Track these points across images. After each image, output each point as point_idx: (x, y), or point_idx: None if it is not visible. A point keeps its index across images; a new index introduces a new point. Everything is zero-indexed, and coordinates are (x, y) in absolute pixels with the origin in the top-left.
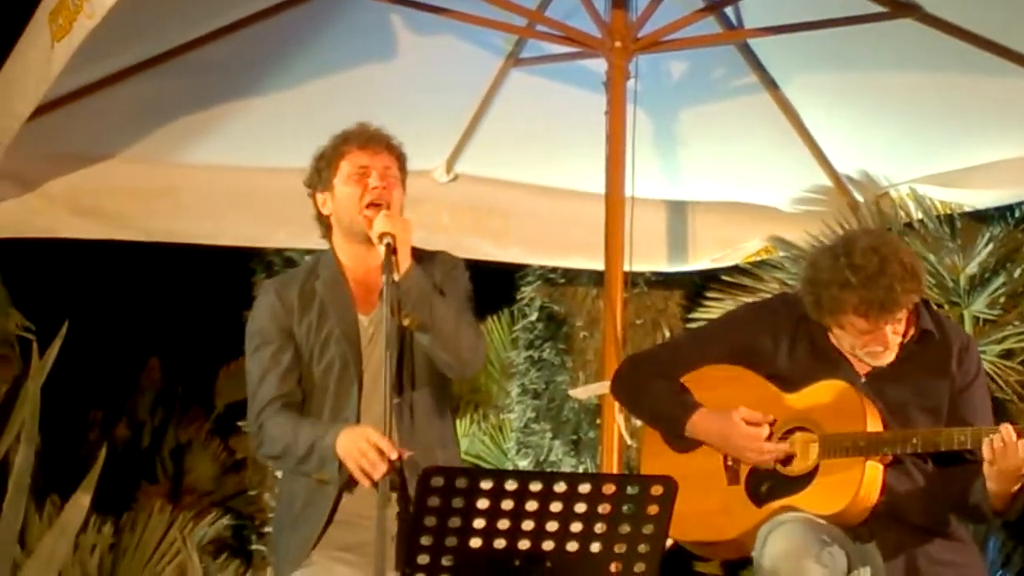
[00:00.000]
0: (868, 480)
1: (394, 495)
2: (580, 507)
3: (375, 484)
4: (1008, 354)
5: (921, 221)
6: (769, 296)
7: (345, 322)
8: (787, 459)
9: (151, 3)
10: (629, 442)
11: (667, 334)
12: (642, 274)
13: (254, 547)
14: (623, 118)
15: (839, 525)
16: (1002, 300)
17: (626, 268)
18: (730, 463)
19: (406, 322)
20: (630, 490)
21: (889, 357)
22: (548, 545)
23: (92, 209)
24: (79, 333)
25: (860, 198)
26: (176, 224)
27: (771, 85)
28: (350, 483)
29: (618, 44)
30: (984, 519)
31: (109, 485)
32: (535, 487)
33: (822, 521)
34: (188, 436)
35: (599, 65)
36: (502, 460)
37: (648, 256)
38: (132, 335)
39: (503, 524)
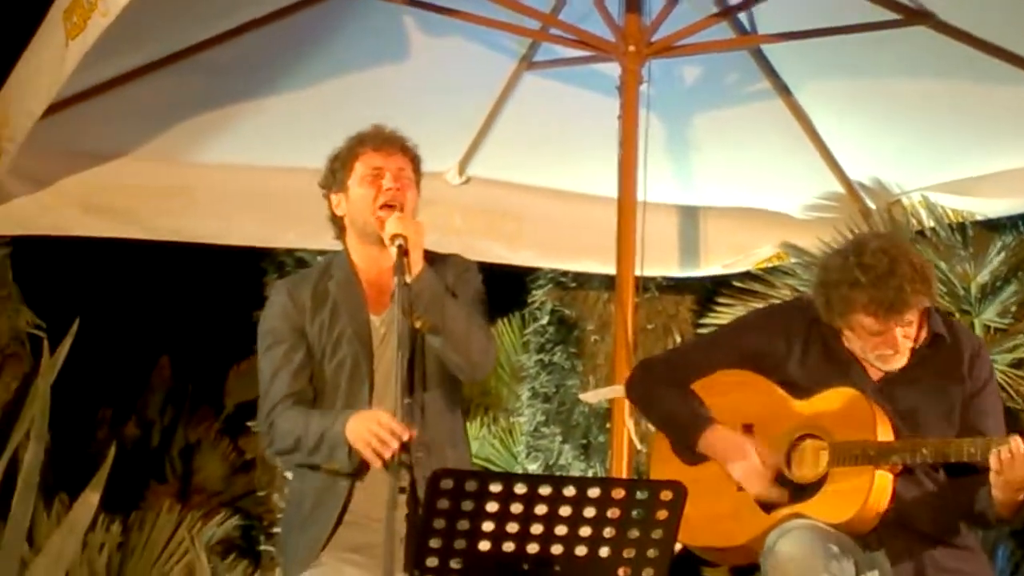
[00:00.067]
0: (877, 489)
1: (403, 497)
2: (589, 511)
3: (386, 465)
4: (1019, 363)
5: (933, 229)
6: (780, 301)
7: (357, 322)
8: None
9: (165, 2)
10: (639, 447)
11: (678, 339)
12: (653, 279)
13: (263, 548)
14: (636, 122)
15: (847, 533)
16: (1013, 309)
17: (637, 273)
18: None
19: (418, 324)
20: (639, 495)
21: (901, 361)
22: (557, 549)
23: (104, 207)
24: (90, 331)
25: (872, 205)
26: (188, 223)
27: (784, 91)
28: (361, 471)
29: (631, 48)
30: (988, 525)
31: (118, 484)
32: (544, 491)
33: (830, 529)
34: (197, 436)
35: (612, 69)
36: (512, 464)
37: (660, 261)
38: (143, 334)
39: (512, 527)
